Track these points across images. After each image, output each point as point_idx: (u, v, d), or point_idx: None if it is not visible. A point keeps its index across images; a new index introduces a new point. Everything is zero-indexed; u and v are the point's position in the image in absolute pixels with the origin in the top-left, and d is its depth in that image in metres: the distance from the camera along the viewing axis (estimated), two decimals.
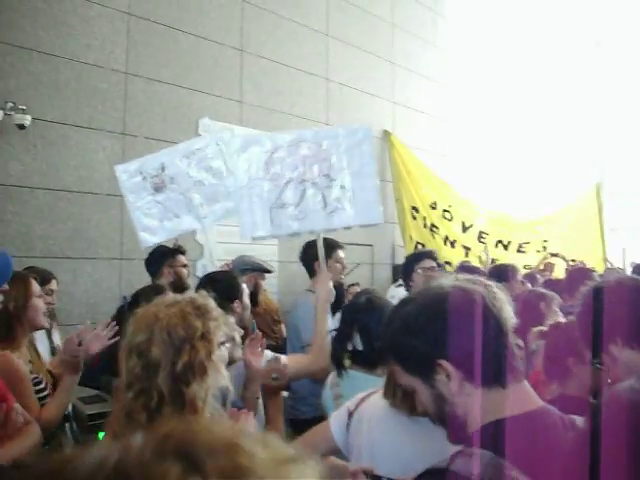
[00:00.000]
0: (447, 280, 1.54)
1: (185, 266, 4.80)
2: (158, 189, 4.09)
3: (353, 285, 6.17)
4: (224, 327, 1.96)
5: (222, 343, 1.96)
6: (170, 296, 1.98)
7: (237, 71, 7.05)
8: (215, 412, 1.89)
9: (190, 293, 2.04)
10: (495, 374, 1.41)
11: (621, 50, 14.66)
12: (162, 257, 4.66)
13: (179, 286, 4.19)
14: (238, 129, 6.68)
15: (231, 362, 2.54)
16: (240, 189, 3.46)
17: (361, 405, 2.23)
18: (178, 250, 4.78)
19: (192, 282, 4.60)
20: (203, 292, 2.06)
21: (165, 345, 1.81)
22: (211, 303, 1.96)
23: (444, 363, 1.39)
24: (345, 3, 8.60)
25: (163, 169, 4.10)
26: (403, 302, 1.56)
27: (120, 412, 1.83)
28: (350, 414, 2.24)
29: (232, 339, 2.13)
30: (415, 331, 1.44)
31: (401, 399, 2.04)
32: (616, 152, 14.92)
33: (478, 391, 1.40)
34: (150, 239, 4.19)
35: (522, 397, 1.44)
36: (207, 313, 1.90)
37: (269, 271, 5.49)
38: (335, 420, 2.28)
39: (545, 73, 15.35)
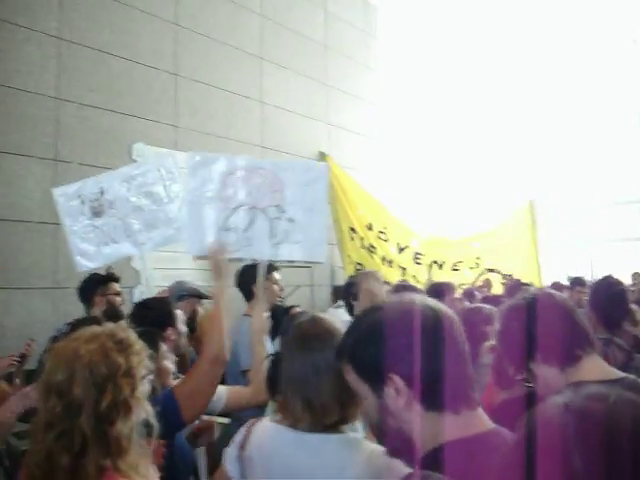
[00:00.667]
0: (418, 297, 1.53)
1: (118, 294, 4.70)
2: (96, 213, 4.02)
3: (293, 307, 6.15)
4: (146, 360, 1.91)
5: (144, 377, 1.90)
6: (88, 329, 1.89)
7: (171, 95, 7.00)
8: (140, 449, 1.84)
9: (110, 325, 1.97)
10: (449, 400, 1.39)
11: (547, 65, 15.07)
12: (94, 285, 4.56)
13: (112, 315, 4.11)
14: (175, 154, 6.64)
15: (155, 392, 2.51)
16: (190, 204, 3.42)
17: (249, 435, 2.18)
18: (111, 277, 4.68)
19: (129, 309, 4.52)
20: (123, 324, 2.00)
21: (87, 384, 1.73)
22: (132, 336, 1.90)
23: (395, 378, 1.38)
24: (278, 26, 8.64)
25: (102, 193, 4.02)
26: (374, 309, 1.54)
27: (40, 454, 1.74)
28: (241, 447, 2.17)
29: (155, 371, 2.06)
30: (377, 339, 1.42)
31: (300, 416, 2.03)
32: (549, 169, 15.30)
33: (429, 414, 1.39)
34: (86, 264, 4.11)
35: (473, 421, 1.43)
36: (129, 347, 1.84)
37: (206, 297, 5.42)
38: (228, 457, 2.21)
39: (475, 92, 15.67)
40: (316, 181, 3.54)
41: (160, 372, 2.85)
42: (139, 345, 1.89)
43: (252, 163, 3.53)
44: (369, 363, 1.44)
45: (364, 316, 1.53)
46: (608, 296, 4.02)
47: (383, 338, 1.42)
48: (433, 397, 1.38)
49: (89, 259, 4.08)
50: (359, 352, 1.47)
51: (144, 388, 1.89)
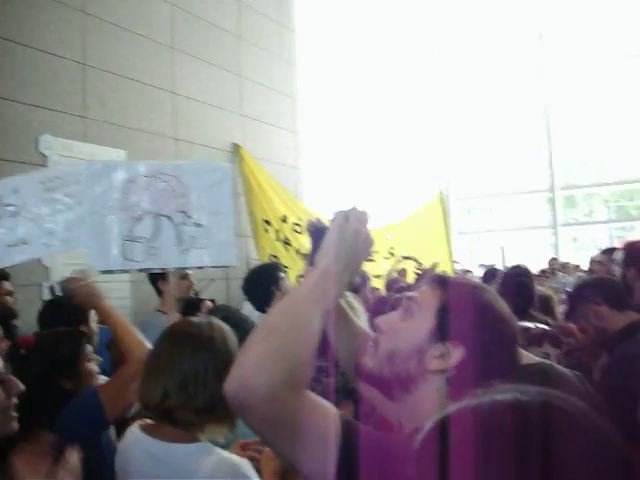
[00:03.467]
0: None
1: (10, 293, 4.50)
2: (8, 214, 3.88)
3: (203, 300, 6.08)
4: None
5: None
6: None
7: (79, 85, 6.80)
8: None
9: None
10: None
11: (458, 61, 15.38)
12: None
13: (5, 315, 3.99)
14: (83, 146, 6.47)
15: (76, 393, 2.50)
16: (90, 215, 3.32)
17: (121, 441, 2.24)
18: (2, 276, 4.49)
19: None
20: None
21: None
22: None
23: (458, 350, 1.31)
24: (190, 16, 8.52)
25: (16, 192, 3.89)
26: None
27: None
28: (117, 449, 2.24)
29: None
30: (494, 308, 1.36)
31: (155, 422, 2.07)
32: (460, 160, 15.63)
33: (445, 400, 1.31)
34: None
35: None
36: None
37: None
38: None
39: (389, 82, 15.86)
40: (220, 183, 3.49)
41: (84, 374, 2.79)
42: None
43: (154, 168, 3.44)
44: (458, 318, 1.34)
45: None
46: (514, 286, 4.17)
47: (494, 319, 1.35)
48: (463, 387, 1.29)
49: None
50: (463, 299, 1.36)
51: None
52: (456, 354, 1.31)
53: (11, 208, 3.81)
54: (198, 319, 2.25)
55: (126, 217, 3.32)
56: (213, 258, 3.45)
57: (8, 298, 4.45)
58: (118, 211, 3.32)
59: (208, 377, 2.01)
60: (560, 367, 2.89)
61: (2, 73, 6.01)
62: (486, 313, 1.35)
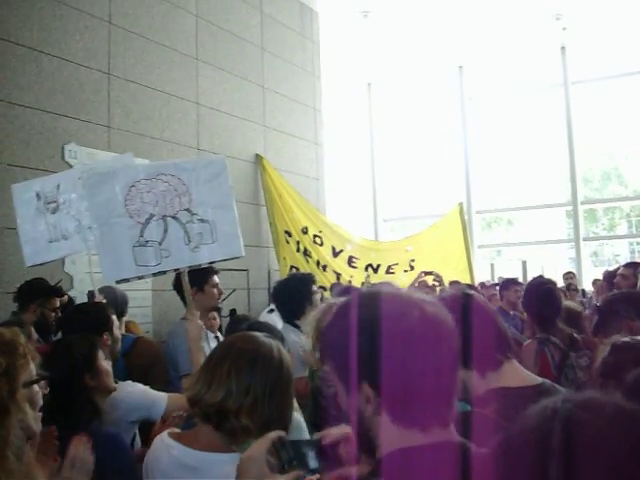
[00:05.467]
0: (405, 296, 1.39)
1: (55, 310, 4.51)
2: (50, 210, 3.97)
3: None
4: (32, 365, 1.84)
5: (33, 382, 1.84)
6: None
7: (104, 95, 6.84)
8: (19, 452, 1.75)
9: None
10: (417, 417, 1.29)
11: (482, 73, 15.32)
12: (35, 292, 4.39)
13: (41, 328, 4.02)
14: (106, 154, 6.49)
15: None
16: (100, 227, 3.32)
17: (150, 447, 2.22)
18: (55, 291, 4.51)
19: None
20: (15, 328, 1.93)
21: None
22: (21, 340, 1.83)
23: (365, 387, 1.30)
24: (214, 27, 8.56)
25: (58, 188, 3.98)
26: (348, 306, 1.38)
27: None
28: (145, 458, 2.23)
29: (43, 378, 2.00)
30: (348, 344, 1.32)
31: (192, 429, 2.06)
32: (480, 173, 15.55)
33: (395, 426, 1.30)
34: (35, 259, 4.04)
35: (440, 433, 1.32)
36: (14, 350, 1.76)
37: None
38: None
39: (410, 93, 15.83)
40: (218, 176, 3.51)
41: (103, 373, 2.81)
42: (26, 349, 1.82)
43: (152, 170, 3.45)
44: (343, 368, 1.33)
45: (340, 316, 1.39)
46: (539, 295, 4.11)
47: (353, 343, 1.30)
48: (401, 411, 1.29)
49: (38, 254, 4.01)
50: (336, 355, 1.37)
51: (29, 394, 1.82)
52: (366, 389, 1.31)
53: (53, 205, 3.88)
54: (261, 336, 2.20)
55: (133, 223, 3.32)
56: (222, 251, 3.49)
57: (51, 314, 4.45)
58: (125, 218, 3.32)
59: (266, 395, 1.98)
60: (561, 389, 2.81)
61: (28, 82, 6.06)
62: (363, 333, 1.31)
